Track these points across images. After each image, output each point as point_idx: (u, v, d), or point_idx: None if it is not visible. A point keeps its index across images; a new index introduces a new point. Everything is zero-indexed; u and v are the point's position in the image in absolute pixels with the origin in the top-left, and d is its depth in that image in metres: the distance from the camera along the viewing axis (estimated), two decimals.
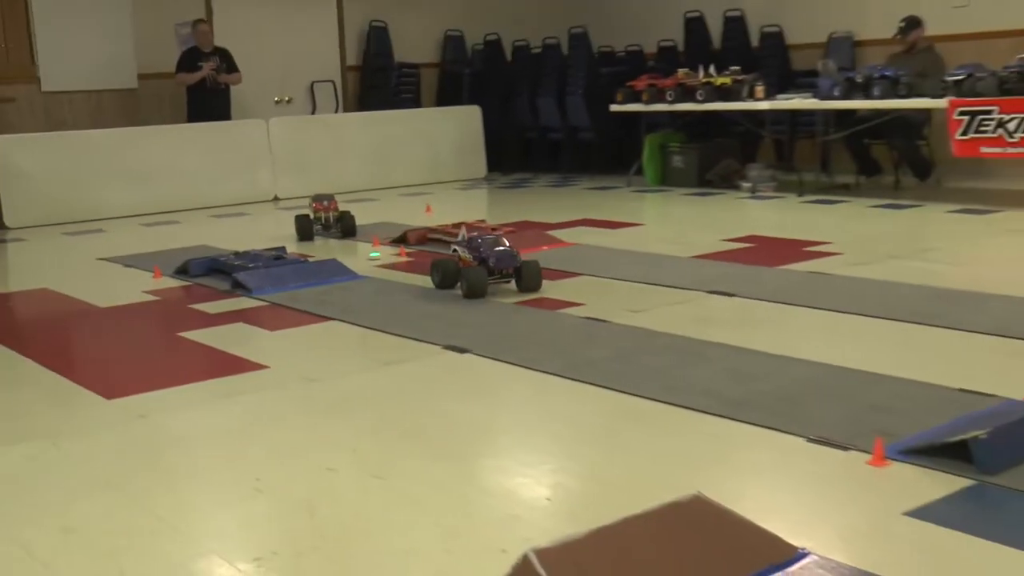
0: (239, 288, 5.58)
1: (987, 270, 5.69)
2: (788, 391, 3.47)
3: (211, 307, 5.29)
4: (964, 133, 7.67)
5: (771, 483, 2.80)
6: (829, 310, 4.64)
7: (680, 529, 2.23)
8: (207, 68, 10.24)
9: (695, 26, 11.41)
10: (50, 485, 2.97)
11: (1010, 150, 7.47)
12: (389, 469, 2.96)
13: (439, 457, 3.05)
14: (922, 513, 2.49)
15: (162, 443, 3.30)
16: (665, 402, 3.42)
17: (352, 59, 12.22)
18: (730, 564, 2.18)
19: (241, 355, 4.30)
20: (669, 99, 9.67)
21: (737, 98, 9.29)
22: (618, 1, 12.43)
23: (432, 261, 5.44)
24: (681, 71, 9.79)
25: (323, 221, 7.51)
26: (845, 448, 2.92)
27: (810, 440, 3.00)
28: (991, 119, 7.51)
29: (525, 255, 5.43)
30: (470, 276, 5.11)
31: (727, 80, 9.33)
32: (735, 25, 11.17)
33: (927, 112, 8.69)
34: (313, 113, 11.74)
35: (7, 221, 8.89)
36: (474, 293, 5.07)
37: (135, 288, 5.86)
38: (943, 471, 2.71)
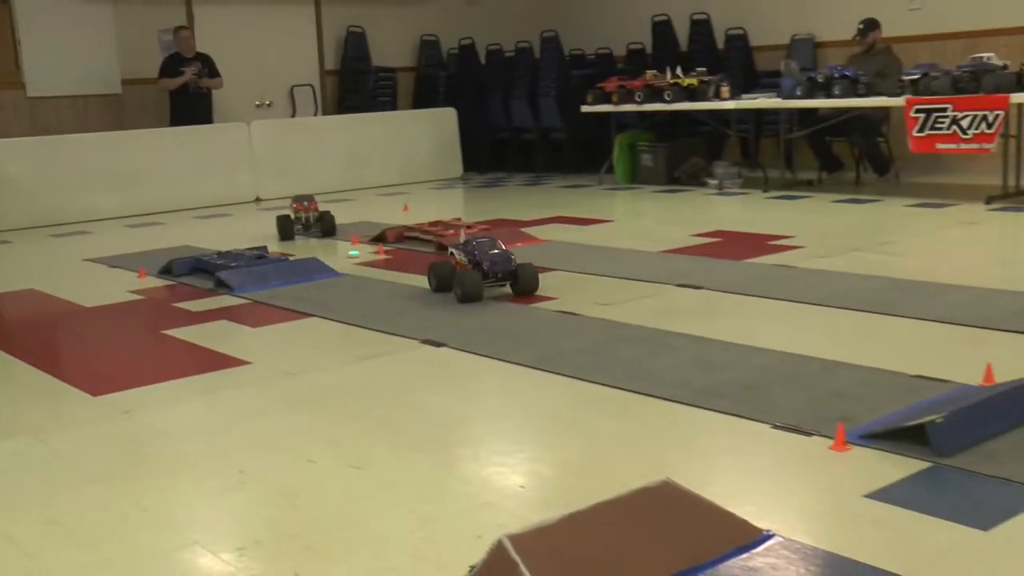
0: (222, 287, 5.64)
1: (942, 261, 5.80)
2: (753, 379, 3.52)
3: (194, 305, 5.33)
4: (920, 130, 7.85)
5: (737, 468, 2.83)
6: (792, 301, 4.73)
7: (649, 513, 2.27)
8: (189, 73, 10.35)
9: (662, 29, 11.52)
10: (35, 479, 2.99)
11: (964, 146, 7.66)
12: (367, 459, 2.99)
13: (416, 447, 3.09)
14: (881, 495, 2.54)
15: (147, 437, 3.32)
16: (635, 391, 3.48)
17: (330, 63, 12.34)
18: (698, 546, 2.23)
19: (224, 351, 4.34)
20: (638, 100, 9.83)
21: (703, 98, 9.43)
22: (588, 5, 12.58)
23: (429, 265, 5.32)
24: (649, 73, 9.92)
25: (303, 221, 7.57)
26: (808, 434, 2.98)
27: (774, 426, 3.06)
28: (946, 116, 7.69)
29: None
30: (464, 280, 4.99)
31: (694, 81, 9.48)
32: (701, 28, 11.30)
33: (885, 110, 8.90)
34: (293, 116, 11.85)
35: None
36: (469, 297, 4.95)
37: (120, 288, 5.89)
38: (901, 454, 2.77)
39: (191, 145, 10.06)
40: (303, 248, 7.08)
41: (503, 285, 5.14)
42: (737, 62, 10.88)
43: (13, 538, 2.58)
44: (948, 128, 7.71)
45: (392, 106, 12.23)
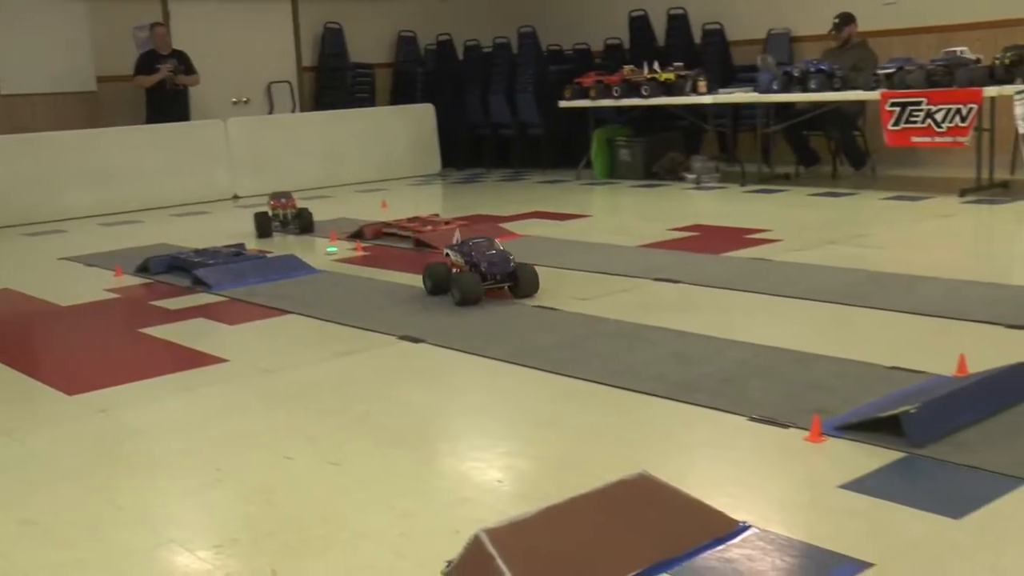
0: (199, 284, 5.63)
1: (917, 254, 5.85)
2: (730, 372, 3.55)
3: (172, 303, 5.32)
4: (896, 124, 7.91)
5: (714, 460, 2.86)
6: (769, 294, 4.77)
7: (626, 506, 2.29)
8: (165, 70, 10.31)
9: (640, 24, 11.55)
10: (10, 479, 2.97)
11: (938, 139, 7.73)
12: (345, 456, 2.99)
13: (394, 443, 3.09)
14: (856, 485, 2.56)
15: (123, 436, 3.30)
16: (612, 386, 3.49)
17: (308, 60, 12.31)
18: (675, 538, 2.24)
19: (201, 349, 4.34)
20: (615, 95, 9.85)
21: (681, 93, 9.47)
22: (566, 1, 12.58)
23: (425, 267, 5.13)
24: (627, 68, 9.95)
25: (281, 218, 7.58)
26: (784, 426, 3.00)
27: (751, 419, 3.09)
28: (920, 110, 7.76)
29: None
30: (461, 282, 4.80)
31: (671, 76, 9.52)
32: (678, 23, 11.35)
33: (861, 104, 8.96)
34: (270, 113, 11.82)
35: None
36: (467, 300, 4.76)
37: (96, 286, 5.87)
38: (876, 445, 2.79)
39: (168, 143, 10.02)
40: (281, 245, 7.08)
41: (502, 287, 4.95)
42: (714, 57, 10.93)
43: None
44: (923, 121, 7.77)
45: (370, 102, 12.22)
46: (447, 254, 5.12)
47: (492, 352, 4.02)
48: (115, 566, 2.38)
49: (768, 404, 3.21)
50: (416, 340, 4.26)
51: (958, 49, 7.92)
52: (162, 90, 10.39)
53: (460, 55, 12.48)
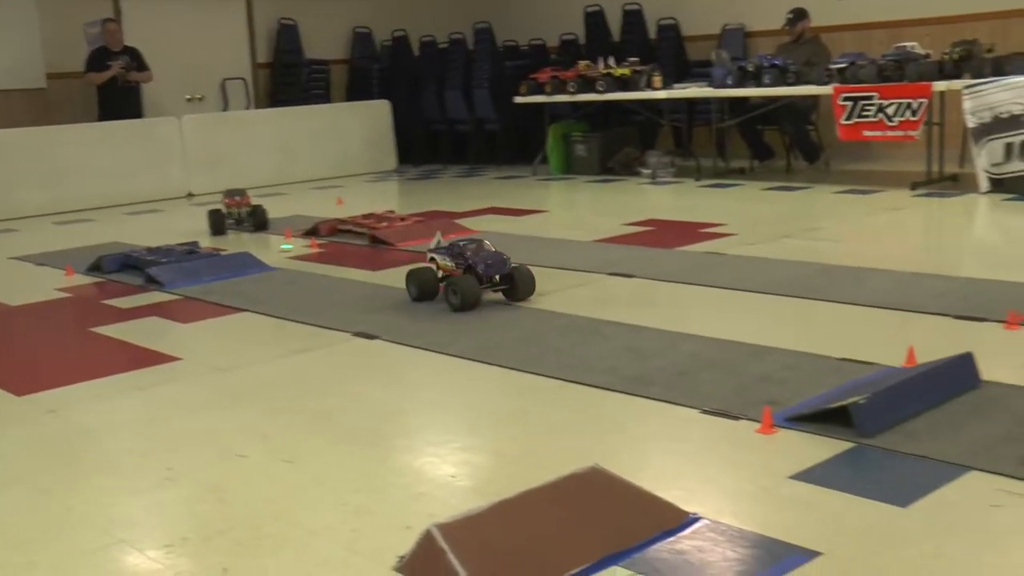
0: (152, 283, 5.59)
1: (868, 247, 5.93)
2: (683, 366, 3.58)
3: (124, 302, 5.28)
4: (848, 118, 8.00)
5: (667, 453, 2.88)
6: (722, 288, 4.80)
7: (577, 499, 2.31)
8: (117, 67, 10.20)
9: (595, 20, 11.59)
10: None
11: (890, 133, 7.83)
12: (299, 453, 2.98)
13: (348, 439, 3.09)
14: (806, 476, 2.60)
15: (73, 436, 3.28)
16: (567, 380, 3.51)
17: (263, 56, 12.24)
18: (625, 531, 2.26)
19: (154, 348, 4.31)
20: (571, 90, 9.87)
21: (636, 88, 9.52)
22: None
23: (408, 272, 4.87)
24: (582, 63, 9.97)
25: (236, 216, 7.53)
26: (736, 418, 3.03)
27: (703, 411, 3.12)
28: (872, 104, 7.85)
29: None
30: (461, 285, 4.54)
31: (626, 71, 9.55)
32: (633, 18, 11.40)
33: (814, 98, 9.02)
34: (225, 110, 11.74)
35: None
36: (467, 305, 4.53)
37: (47, 286, 5.82)
38: (826, 436, 2.83)
39: (120, 140, 9.93)
40: (235, 243, 7.04)
41: (498, 290, 4.72)
42: (669, 52, 11.00)
43: None
44: (875, 116, 7.87)
45: (325, 99, 12.18)
46: (431, 258, 4.84)
47: (448, 348, 4.02)
48: (65, 567, 2.36)
49: (720, 397, 3.24)
50: (371, 337, 4.26)
51: (908, 44, 8.01)
52: (114, 87, 10.27)
53: (416, 51, 12.47)
